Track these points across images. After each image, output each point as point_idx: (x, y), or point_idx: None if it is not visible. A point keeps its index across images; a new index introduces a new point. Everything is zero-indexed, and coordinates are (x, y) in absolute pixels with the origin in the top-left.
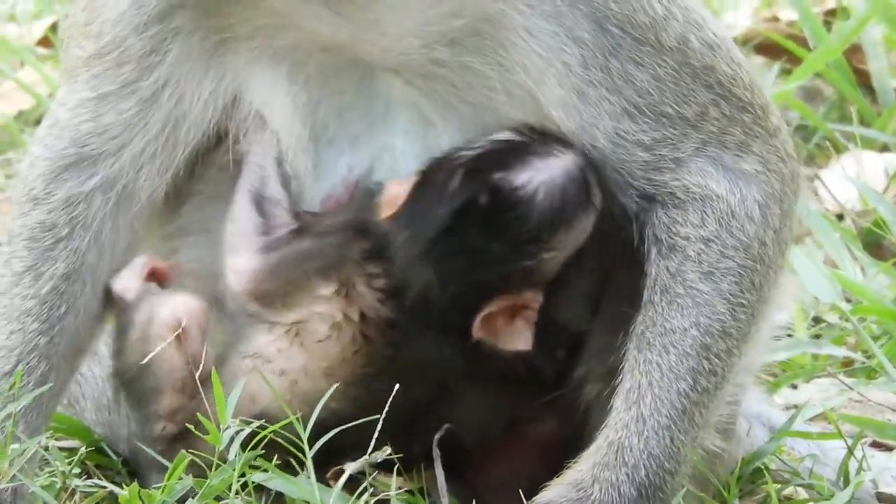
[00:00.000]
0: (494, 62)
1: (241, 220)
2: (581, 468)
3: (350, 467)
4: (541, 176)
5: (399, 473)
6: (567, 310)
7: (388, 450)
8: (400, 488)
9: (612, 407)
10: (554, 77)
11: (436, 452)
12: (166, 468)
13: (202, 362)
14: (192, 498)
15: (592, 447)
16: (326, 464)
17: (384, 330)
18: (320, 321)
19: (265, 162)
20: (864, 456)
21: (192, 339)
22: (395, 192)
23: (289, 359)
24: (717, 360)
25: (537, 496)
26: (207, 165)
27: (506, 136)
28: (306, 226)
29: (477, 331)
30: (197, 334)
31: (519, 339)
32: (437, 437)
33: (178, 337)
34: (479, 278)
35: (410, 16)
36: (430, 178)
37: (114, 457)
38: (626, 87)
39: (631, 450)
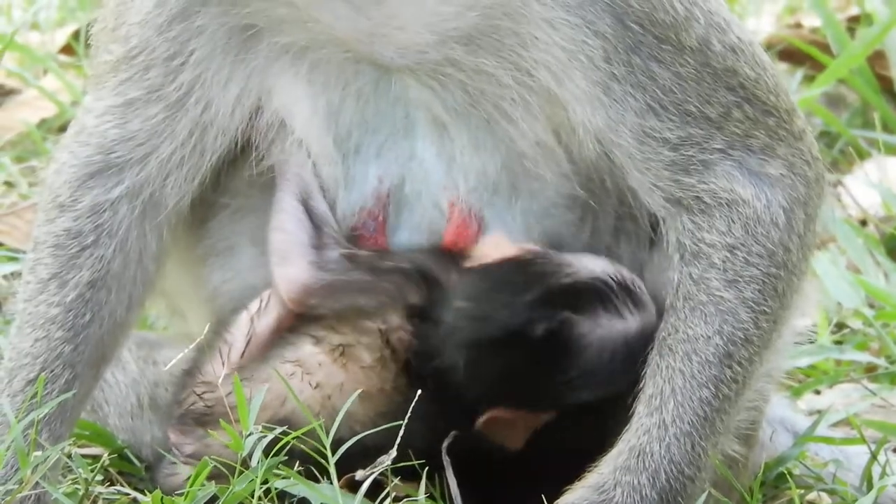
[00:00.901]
0: (511, 65)
1: (291, 229)
2: (602, 471)
3: (360, 474)
4: (601, 332)
5: (416, 478)
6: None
7: (394, 453)
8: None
9: (633, 412)
10: (578, 70)
11: (446, 460)
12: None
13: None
14: None
15: (614, 451)
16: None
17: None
18: (366, 350)
19: (305, 173)
20: (887, 461)
21: (266, 319)
22: (488, 251)
23: (328, 375)
24: (738, 367)
25: (559, 499)
26: (233, 177)
27: (595, 274)
28: (360, 257)
29: (479, 424)
30: (273, 320)
31: (512, 439)
32: (445, 444)
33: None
34: (503, 389)
35: (426, 9)
36: (520, 267)
37: (137, 463)
38: (650, 83)
39: (652, 455)
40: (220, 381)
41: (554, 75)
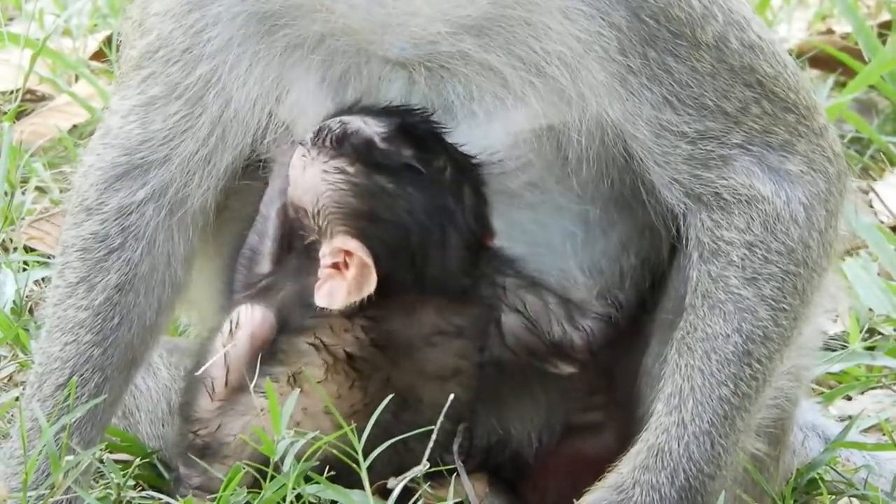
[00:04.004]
0: (521, 60)
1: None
2: (622, 471)
3: (392, 482)
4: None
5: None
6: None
7: (426, 463)
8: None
9: (652, 410)
10: (595, 62)
11: (459, 464)
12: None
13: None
14: None
15: (633, 450)
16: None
17: (373, 352)
18: (315, 367)
19: (269, 211)
20: None
21: (239, 343)
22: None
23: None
24: (758, 365)
25: (579, 500)
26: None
27: None
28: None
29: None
30: (245, 342)
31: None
32: (455, 446)
33: (230, 336)
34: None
35: None
36: None
37: (166, 475)
38: (666, 77)
39: (671, 454)
40: (209, 415)
41: (568, 67)
